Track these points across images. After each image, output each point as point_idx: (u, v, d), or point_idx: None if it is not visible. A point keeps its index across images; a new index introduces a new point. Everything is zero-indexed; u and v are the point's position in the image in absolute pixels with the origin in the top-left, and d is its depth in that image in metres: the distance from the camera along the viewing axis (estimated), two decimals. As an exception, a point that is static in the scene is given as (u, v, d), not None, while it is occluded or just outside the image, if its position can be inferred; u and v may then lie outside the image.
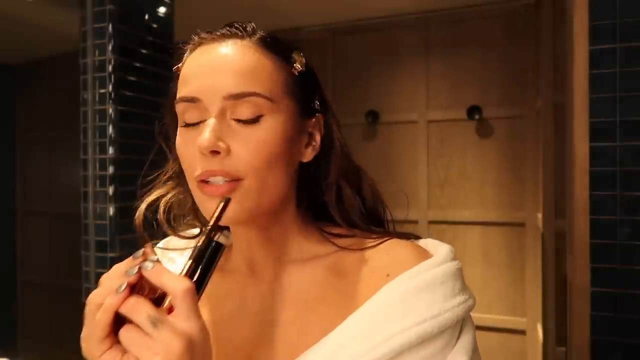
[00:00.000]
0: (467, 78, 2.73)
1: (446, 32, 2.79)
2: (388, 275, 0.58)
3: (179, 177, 0.65)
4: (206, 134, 0.54)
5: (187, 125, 0.57)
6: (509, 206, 2.66)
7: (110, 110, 1.78)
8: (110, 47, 1.78)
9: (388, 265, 0.59)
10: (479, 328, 3.02)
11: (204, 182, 0.56)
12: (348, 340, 0.54)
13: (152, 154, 0.71)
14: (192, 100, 0.56)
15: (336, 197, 0.64)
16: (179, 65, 0.61)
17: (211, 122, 0.55)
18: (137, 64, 1.86)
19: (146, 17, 1.90)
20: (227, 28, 0.59)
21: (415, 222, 2.82)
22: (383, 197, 0.68)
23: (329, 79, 2.97)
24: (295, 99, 0.59)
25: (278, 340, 0.60)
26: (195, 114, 0.56)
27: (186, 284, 0.45)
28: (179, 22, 2.02)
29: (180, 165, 0.62)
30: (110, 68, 1.78)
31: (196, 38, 0.60)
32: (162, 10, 1.96)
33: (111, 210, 1.78)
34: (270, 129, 0.56)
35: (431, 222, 2.80)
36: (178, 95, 0.58)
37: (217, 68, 0.56)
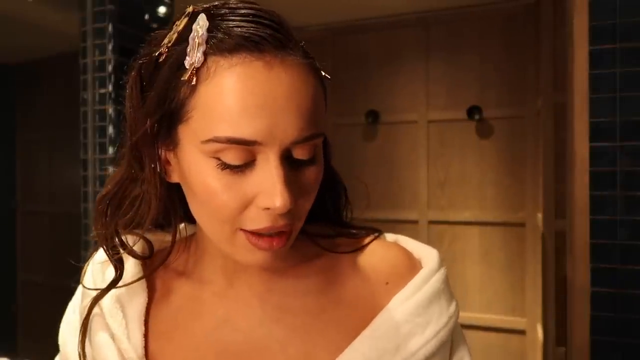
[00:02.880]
0: (467, 78, 2.73)
1: (446, 32, 2.78)
2: (387, 283, 0.57)
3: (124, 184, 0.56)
4: (282, 193, 0.46)
5: (229, 167, 0.47)
6: (509, 206, 2.66)
7: (110, 110, 1.78)
8: (110, 47, 1.78)
9: (384, 272, 0.58)
10: (478, 328, 3.00)
11: (254, 233, 0.49)
12: (375, 356, 0.53)
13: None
14: (247, 143, 0.46)
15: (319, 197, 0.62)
16: (194, 68, 0.47)
17: (280, 173, 0.46)
18: (137, 64, 1.86)
19: (146, 17, 1.90)
20: (267, 31, 0.47)
21: (415, 222, 2.82)
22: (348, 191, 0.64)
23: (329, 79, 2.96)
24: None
25: (280, 354, 0.55)
26: (243, 155, 0.47)
27: None
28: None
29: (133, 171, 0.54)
30: (110, 68, 1.78)
31: (220, 36, 0.47)
32: (162, 10, 1.96)
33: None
34: (320, 162, 0.51)
35: (431, 222, 2.80)
36: (220, 133, 0.46)
37: (284, 106, 0.46)
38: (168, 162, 0.53)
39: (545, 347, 2.29)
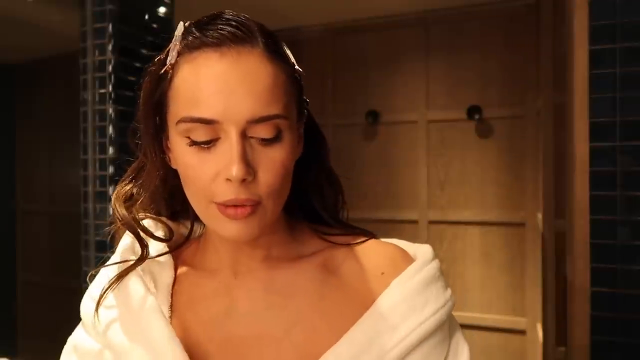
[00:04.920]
0: (467, 78, 2.73)
1: (446, 32, 2.78)
2: (383, 273, 0.61)
3: (140, 172, 0.66)
4: (237, 163, 0.52)
5: (197, 143, 0.54)
6: (509, 206, 2.66)
7: (110, 110, 1.78)
8: (110, 47, 1.77)
9: (380, 264, 0.62)
10: (479, 328, 3.00)
11: (223, 204, 0.54)
12: (376, 335, 0.56)
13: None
14: (208, 122, 0.52)
15: (319, 192, 0.66)
16: (170, 64, 0.56)
17: (236, 147, 0.52)
18: (137, 64, 1.86)
19: (146, 17, 1.90)
20: (228, 29, 0.54)
21: (415, 222, 2.82)
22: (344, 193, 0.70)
23: (329, 79, 2.97)
24: (296, 103, 0.58)
25: (284, 339, 0.59)
26: (207, 133, 0.53)
27: None
28: (179, 22, 2.02)
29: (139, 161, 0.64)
30: (110, 68, 1.78)
31: (190, 38, 0.55)
32: (162, 10, 1.96)
33: (111, 210, 1.78)
34: (287, 144, 0.56)
35: (431, 222, 2.80)
36: (186, 114, 0.53)
37: (237, 89, 0.52)
38: (170, 150, 0.60)
39: (545, 347, 2.29)
